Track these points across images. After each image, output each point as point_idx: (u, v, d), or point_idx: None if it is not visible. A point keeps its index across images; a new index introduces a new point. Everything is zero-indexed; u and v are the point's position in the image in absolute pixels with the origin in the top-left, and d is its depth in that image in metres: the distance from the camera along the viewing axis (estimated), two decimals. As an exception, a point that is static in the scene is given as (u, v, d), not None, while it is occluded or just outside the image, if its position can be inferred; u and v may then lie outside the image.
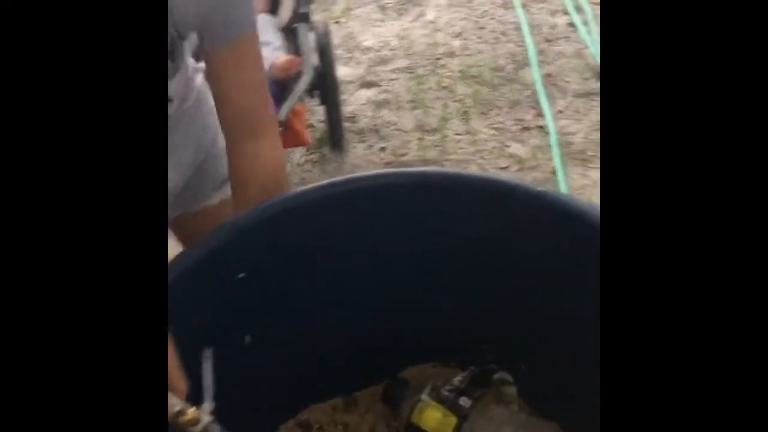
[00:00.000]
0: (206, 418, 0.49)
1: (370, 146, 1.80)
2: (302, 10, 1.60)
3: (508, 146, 1.76)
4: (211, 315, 0.63)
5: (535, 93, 1.92)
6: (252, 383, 0.72)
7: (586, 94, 1.91)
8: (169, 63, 0.65)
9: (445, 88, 1.99)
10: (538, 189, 0.63)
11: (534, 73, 1.96)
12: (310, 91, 1.59)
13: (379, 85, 2.01)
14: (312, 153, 1.81)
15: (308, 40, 1.58)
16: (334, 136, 1.76)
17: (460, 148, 1.75)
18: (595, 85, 1.93)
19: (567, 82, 1.96)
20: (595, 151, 1.74)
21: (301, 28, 1.59)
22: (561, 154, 1.71)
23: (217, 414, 0.53)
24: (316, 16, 1.87)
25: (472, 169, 1.64)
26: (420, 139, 1.82)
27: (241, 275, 0.66)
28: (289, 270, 0.69)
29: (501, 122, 1.85)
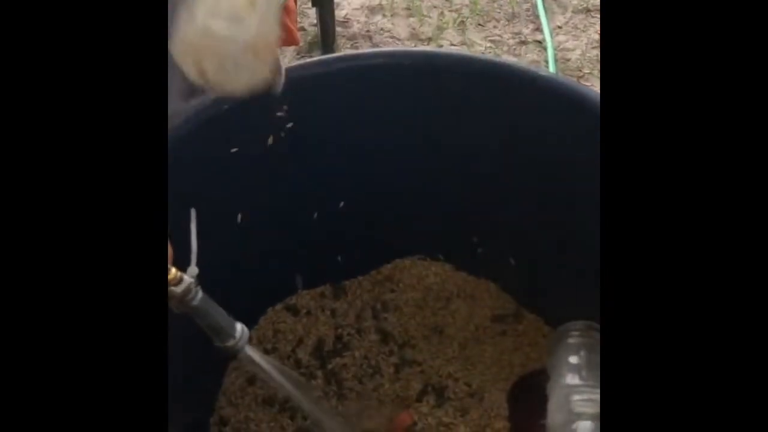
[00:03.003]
0: (188, 279, 0.49)
1: (363, 53, 1.75)
2: None
3: (503, 59, 1.72)
4: (204, 188, 0.62)
5: (534, 6, 1.86)
6: (243, 266, 0.72)
7: (586, 11, 1.86)
8: None
9: (442, -4, 1.92)
10: (544, 73, 0.62)
11: (534, -14, 1.90)
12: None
13: (374, -9, 1.94)
14: (302, 57, 1.76)
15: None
16: (326, 40, 1.70)
17: (455, 59, 1.70)
18: (596, 1, 1.88)
19: (567, -3, 1.91)
20: (591, 69, 1.71)
21: None
22: (557, 70, 1.68)
23: (202, 283, 0.53)
24: None
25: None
26: (413, 47, 1.76)
27: (234, 150, 0.64)
28: (283, 148, 0.68)
29: (498, 35, 1.80)
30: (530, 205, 0.71)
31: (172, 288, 0.49)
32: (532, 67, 0.65)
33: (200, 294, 0.51)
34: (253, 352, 0.55)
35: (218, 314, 0.53)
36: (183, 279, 0.49)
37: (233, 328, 0.54)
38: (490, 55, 1.66)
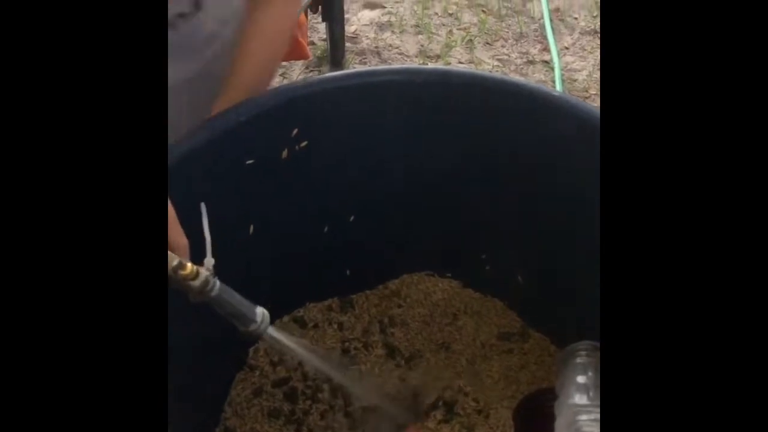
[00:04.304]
0: (205, 272, 0.49)
1: (371, 68, 1.76)
2: None
3: (510, 78, 1.74)
4: (219, 199, 0.63)
5: (542, 27, 1.88)
6: (253, 277, 0.72)
7: (593, 32, 1.88)
8: None
9: (450, 14, 1.94)
10: (555, 93, 0.63)
11: (542, 7, 1.92)
12: (313, 6, 1.54)
13: (384, 7, 1.96)
14: (311, 71, 1.77)
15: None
16: (335, 55, 1.72)
17: (463, 77, 1.72)
18: (603, 23, 1.90)
19: (575, 18, 1.92)
20: (597, 90, 1.72)
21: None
22: (564, 91, 1.69)
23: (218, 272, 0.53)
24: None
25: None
26: (422, 65, 1.78)
27: (250, 161, 0.65)
28: (296, 161, 0.68)
29: (506, 54, 1.82)
30: (538, 224, 0.72)
31: (190, 282, 0.49)
32: (543, 87, 0.66)
33: (218, 284, 0.51)
34: (276, 333, 0.56)
35: (237, 301, 0.53)
36: (200, 273, 0.49)
37: (254, 313, 0.54)
38: (500, 74, 1.67)
